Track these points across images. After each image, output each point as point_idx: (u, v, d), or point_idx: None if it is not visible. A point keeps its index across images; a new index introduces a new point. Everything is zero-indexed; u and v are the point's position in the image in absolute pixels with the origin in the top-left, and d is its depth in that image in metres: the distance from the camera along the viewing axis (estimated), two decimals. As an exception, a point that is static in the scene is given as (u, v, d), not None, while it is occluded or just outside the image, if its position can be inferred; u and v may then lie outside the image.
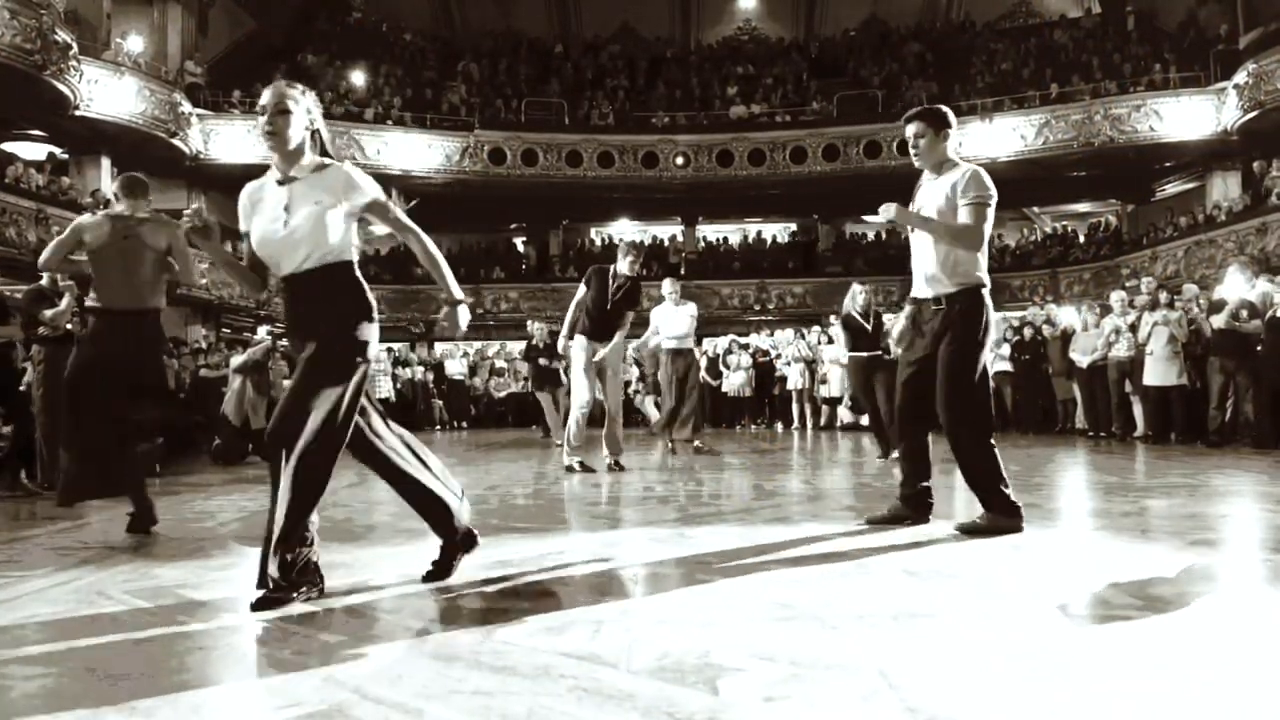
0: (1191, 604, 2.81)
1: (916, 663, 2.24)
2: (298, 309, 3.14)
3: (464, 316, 3.27)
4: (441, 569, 3.27)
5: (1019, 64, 24.96)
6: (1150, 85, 21.70)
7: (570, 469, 7.53)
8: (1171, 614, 2.68)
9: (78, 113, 17.06)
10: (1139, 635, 2.45)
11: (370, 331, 3.14)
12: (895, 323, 4.69)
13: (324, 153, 3.21)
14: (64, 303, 6.58)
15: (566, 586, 3.16)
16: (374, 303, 3.21)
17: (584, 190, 24.30)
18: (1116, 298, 12.08)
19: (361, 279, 3.19)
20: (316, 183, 3.09)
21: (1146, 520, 4.59)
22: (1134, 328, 11.23)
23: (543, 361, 12.67)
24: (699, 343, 17.61)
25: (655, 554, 3.83)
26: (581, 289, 7.67)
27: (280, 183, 3.13)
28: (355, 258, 3.19)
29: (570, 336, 7.74)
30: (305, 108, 3.16)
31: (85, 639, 2.57)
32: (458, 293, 3.25)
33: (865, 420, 11.76)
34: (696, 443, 9.96)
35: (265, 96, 3.13)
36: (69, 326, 6.86)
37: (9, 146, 18.28)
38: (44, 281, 6.86)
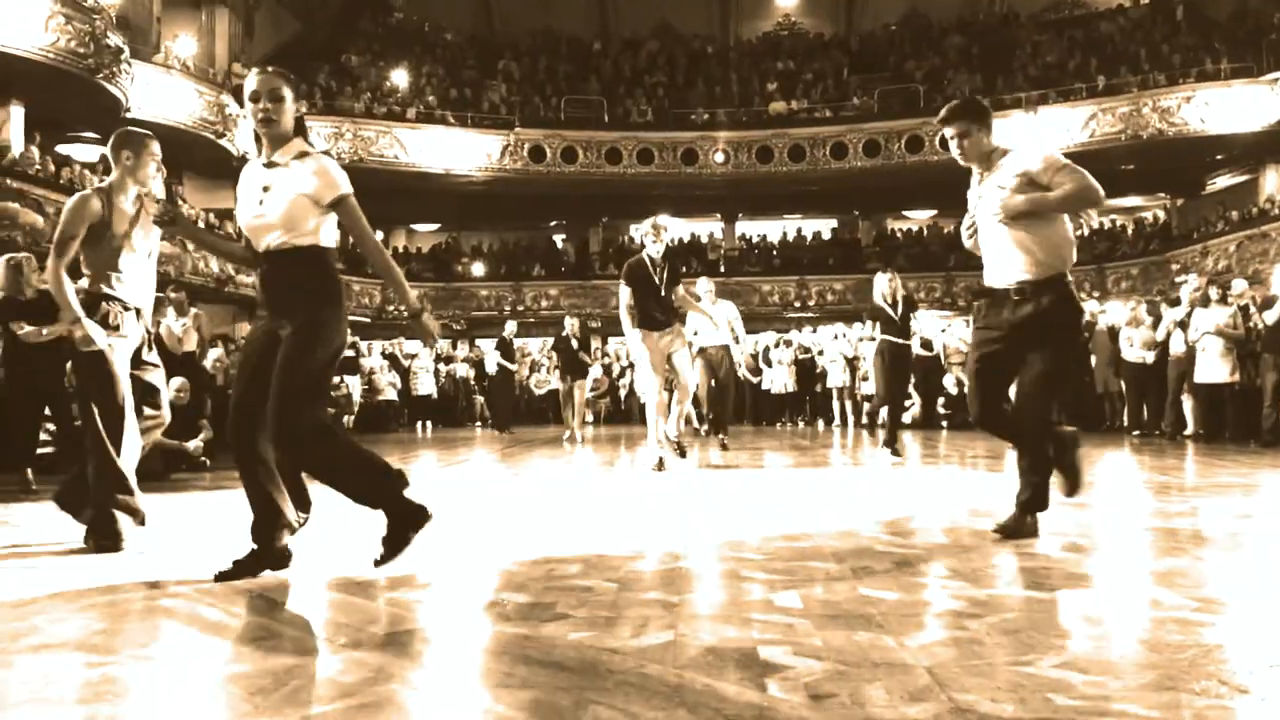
0: (1244, 605, 2.76)
1: (966, 662, 2.22)
2: (267, 288, 3.29)
3: (432, 325, 3.42)
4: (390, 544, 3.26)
5: (1064, 56, 24.57)
6: (1200, 76, 21.26)
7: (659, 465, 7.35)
8: (1224, 614, 2.64)
9: (129, 115, 17.34)
10: (1196, 636, 2.41)
11: (331, 315, 3.25)
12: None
13: (305, 140, 3.35)
14: None
15: (611, 583, 3.16)
16: (340, 290, 3.33)
17: (623, 187, 24.31)
18: (1186, 290, 11.73)
19: (333, 264, 3.32)
20: (296, 169, 3.23)
21: (1198, 521, 4.52)
22: (1184, 324, 11.00)
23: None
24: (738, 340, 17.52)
25: (699, 550, 3.83)
26: (626, 290, 7.45)
27: (266, 166, 3.29)
28: (329, 243, 3.30)
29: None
30: (292, 95, 3.32)
31: (139, 630, 2.62)
32: (415, 302, 3.38)
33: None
34: (722, 438, 9.98)
35: (254, 83, 3.25)
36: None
37: (64, 149, 18.64)
38: None
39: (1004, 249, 3.97)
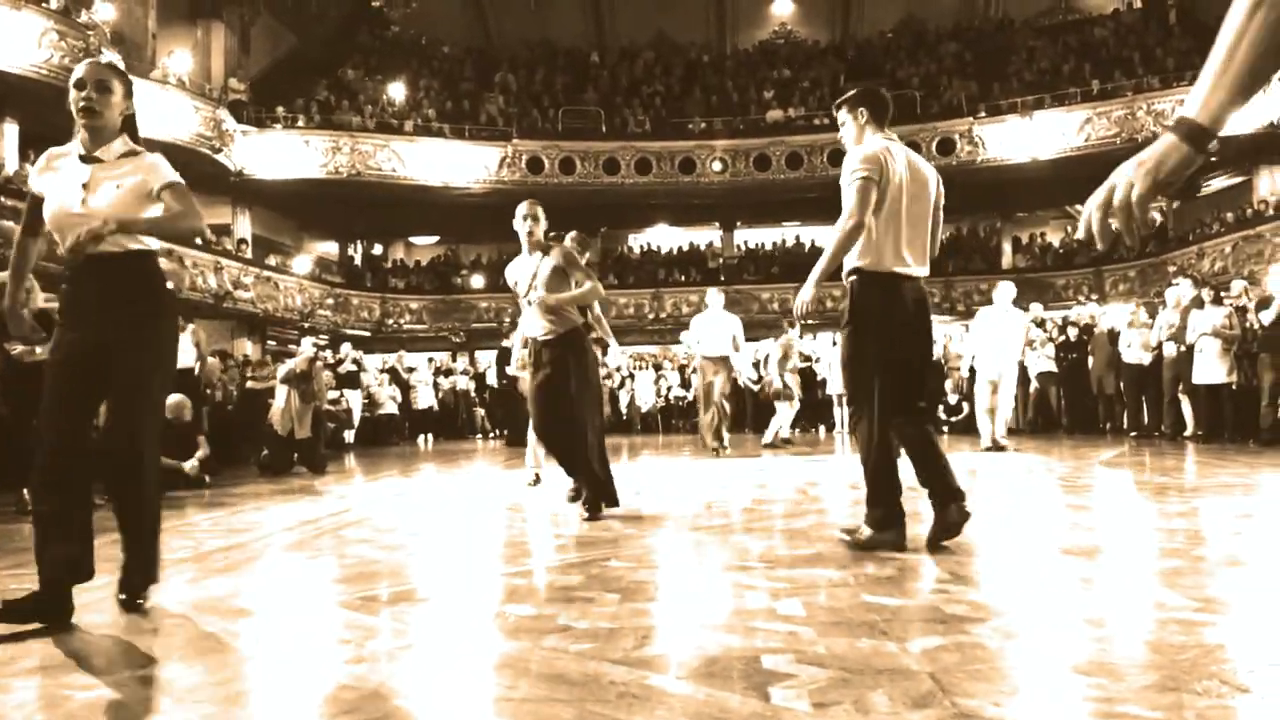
0: (1246, 604, 2.76)
1: (969, 667, 2.21)
2: (84, 294, 3.01)
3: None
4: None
5: (1059, 61, 24.64)
6: (1193, 79, 21.00)
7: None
8: (1226, 614, 2.64)
9: (126, 132, 17.33)
10: (1198, 636, 2.41)
11: (167, 328, 3.10)
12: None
13: (135, 141, 3.15)
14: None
15: (611, 594, 3.16)
16: (172, 300, 3.17)
17: (622, 197, 24.34)
18: (1171, 294, 11.76)
19: (161, 271, 3.13)
20: (123, 167, 3.02)
21: (1199, 521, 4.51)
22: (1176, 337, 10.99)
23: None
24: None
25: (700, 560, 3.83)
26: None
27: (83, 160, 3.03)
28: (157, 247, 3.10)
29: None
30: (123, 92, 3.08)
31: (140, 649, 2.62)
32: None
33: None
34: (717, 445, 10.09)
35: (80, 71, 3.02)
36: None
37: (60, 167, 18.65)
38: None
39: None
